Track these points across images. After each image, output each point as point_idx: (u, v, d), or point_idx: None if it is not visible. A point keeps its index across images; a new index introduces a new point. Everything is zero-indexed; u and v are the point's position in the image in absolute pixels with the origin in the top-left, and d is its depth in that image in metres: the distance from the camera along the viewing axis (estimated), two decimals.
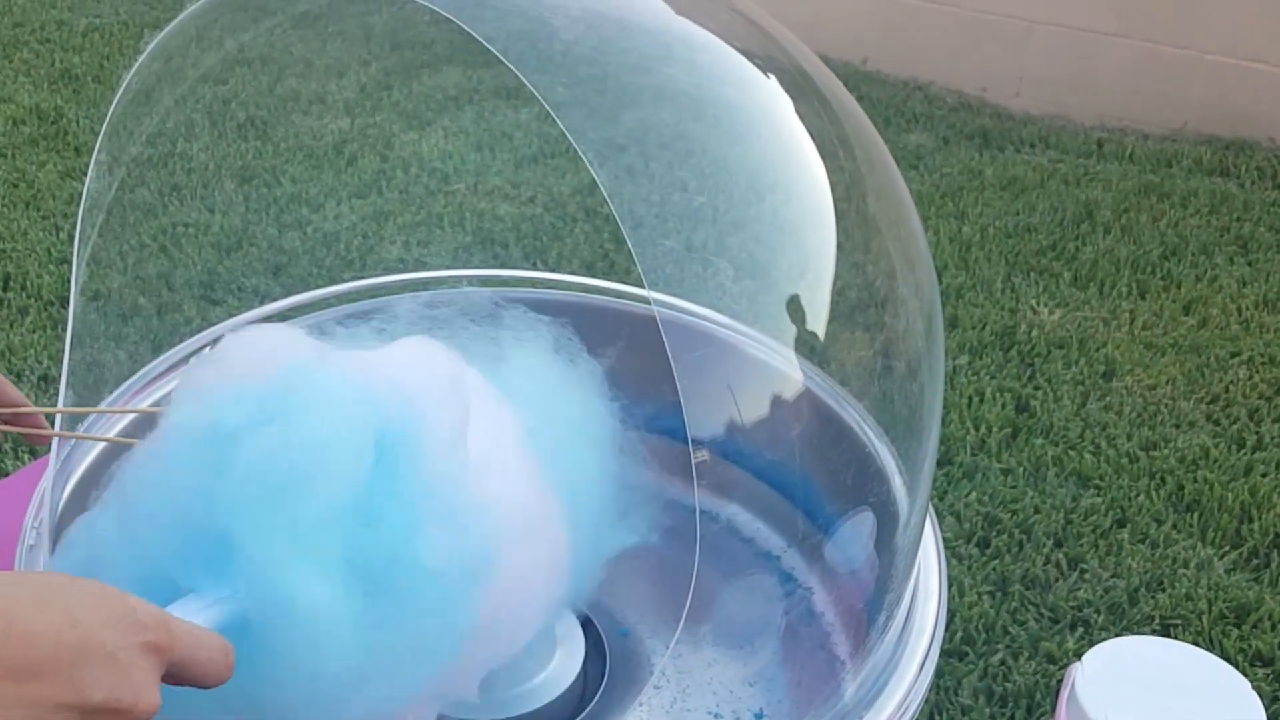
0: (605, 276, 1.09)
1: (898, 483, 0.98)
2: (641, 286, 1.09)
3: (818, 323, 0.92)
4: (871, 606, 0.95)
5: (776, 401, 1.03)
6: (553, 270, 2.79)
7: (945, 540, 2.09)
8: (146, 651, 0.57)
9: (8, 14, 4.51)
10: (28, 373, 2.49)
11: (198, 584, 0.67)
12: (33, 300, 2.77)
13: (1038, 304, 2.86)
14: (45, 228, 3.08)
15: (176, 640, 0.59)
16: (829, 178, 0.92)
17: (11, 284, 2.82)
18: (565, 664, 0.97)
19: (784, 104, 0.95)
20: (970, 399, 2.48)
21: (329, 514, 0.68)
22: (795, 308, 0.92)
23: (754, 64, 0.97)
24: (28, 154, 3.46)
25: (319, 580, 0.67)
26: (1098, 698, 0.99)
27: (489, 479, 0.75)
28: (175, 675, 0.60)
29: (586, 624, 1.01)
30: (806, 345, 0.95)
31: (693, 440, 0.76)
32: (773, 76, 0.96)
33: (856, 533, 0.99)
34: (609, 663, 1.00)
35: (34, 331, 2.64)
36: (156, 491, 0.70)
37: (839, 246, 0.92)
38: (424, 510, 0.71)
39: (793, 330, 0.92)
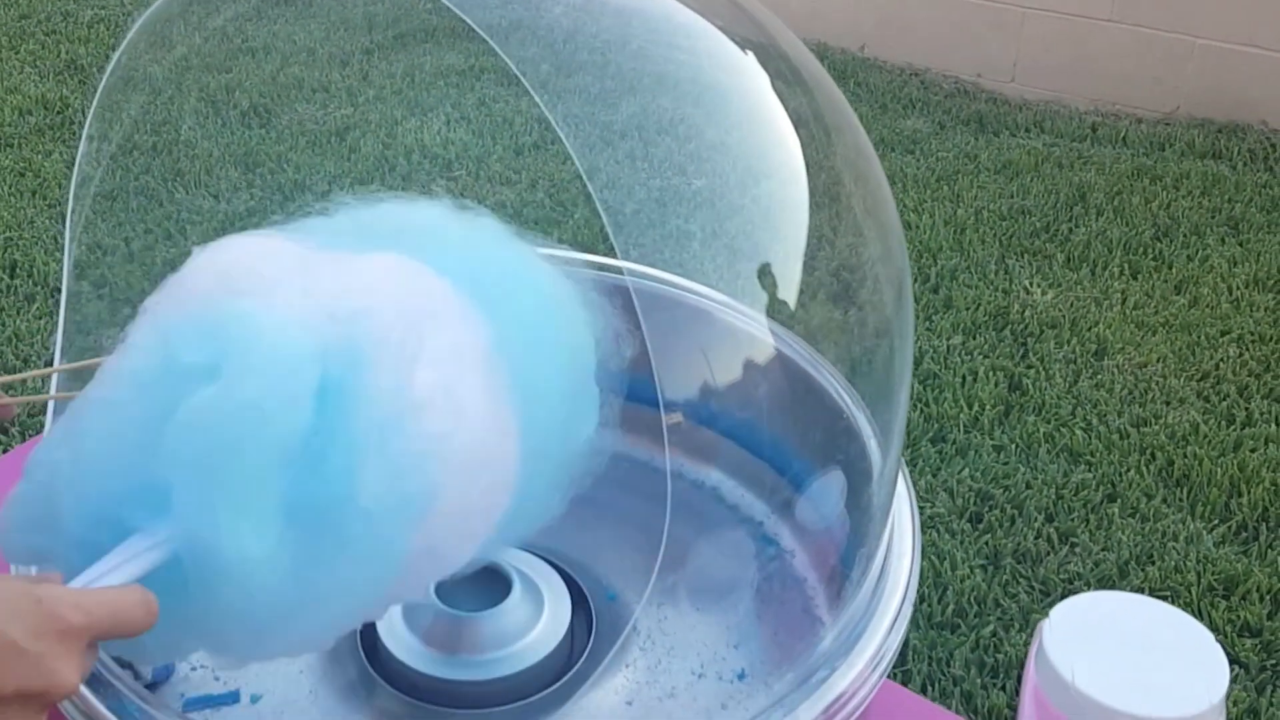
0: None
1: (873, 445, 1.01)
2: (648, 266, 1.12)
3: (794, 292, 0.95)
4: (847, 563, 0.98)
5: (757, 368, 1.06)
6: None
7: (938, 515, 2.13)
8: (59, 638, 0.60)
9: (14, 5, 4.54)
10: (34, 358, 2.53)
11: (140, 525, 0.69)
12: (39, 287, 2.80)
13: (1031, 285, 2.89)
14: (51, 216, 3.11)
15: (93, 616, 0.62)
16: (805, 154, 0.95)
17: (19, 271, 2.85)
18: (551, 626, 0.99)
19: (761, 82, 0.98)
20: (964, 378, 2.51)
21: (265, 464, 0.70)
22: (776, 279, 0.95)
23: (736, 45, 1.00)
24: (34, 144, 3.50)
25: (250, 529, 0.69)
26: (1065, 652, 1.01)
27: (434, 416, 0.75)
28: (101, 640, 0.64)
29: (574, 588, 1.03)
30: (784, 314, 0.98)
31: (669, 404, 0.79)
32: (751, 54, 0.99)
33: (835, 492, 1.02)
34: (595, 626, 1.02)
35: (40, 318, 2.68)
36: (103, 437, 0.72)
37: (816, 218, 0.95)
38: (360, 453, 0.72)
39: (770, 299, 0.95)
